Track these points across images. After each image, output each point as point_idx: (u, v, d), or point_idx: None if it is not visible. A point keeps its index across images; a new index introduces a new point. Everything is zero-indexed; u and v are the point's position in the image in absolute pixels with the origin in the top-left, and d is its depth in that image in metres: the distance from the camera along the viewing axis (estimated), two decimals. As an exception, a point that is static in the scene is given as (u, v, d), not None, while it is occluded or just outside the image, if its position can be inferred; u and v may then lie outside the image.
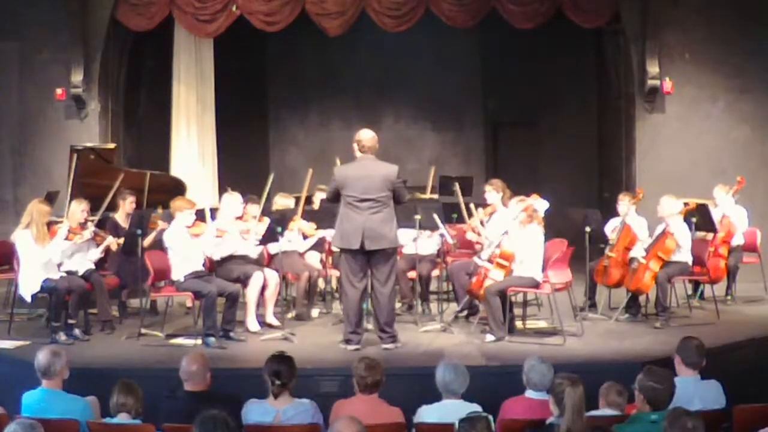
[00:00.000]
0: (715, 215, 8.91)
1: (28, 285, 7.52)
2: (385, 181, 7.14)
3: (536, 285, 7.63)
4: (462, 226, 8.74)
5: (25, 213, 7.65)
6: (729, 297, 9.19)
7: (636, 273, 8.16)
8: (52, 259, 7.53)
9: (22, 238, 7.55)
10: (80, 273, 7.87)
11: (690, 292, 9.06)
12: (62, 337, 7.41)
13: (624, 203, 8.66)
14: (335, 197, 7.30)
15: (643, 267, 8.10)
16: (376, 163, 7.26)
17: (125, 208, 8.76)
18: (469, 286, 7.96)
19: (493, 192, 8.45)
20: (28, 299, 7.66)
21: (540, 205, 8.04)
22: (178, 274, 7.58)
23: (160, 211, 9.11)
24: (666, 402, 4.46)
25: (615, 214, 8.84)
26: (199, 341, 7.38)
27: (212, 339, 7.36)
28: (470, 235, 8.49)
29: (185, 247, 7.61)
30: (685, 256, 8.21)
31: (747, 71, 10.66)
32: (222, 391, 5.31)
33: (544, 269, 7.61)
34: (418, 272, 8.40)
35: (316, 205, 9.16)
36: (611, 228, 8.70)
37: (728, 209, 9.19)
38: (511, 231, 7.66)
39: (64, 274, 7.66)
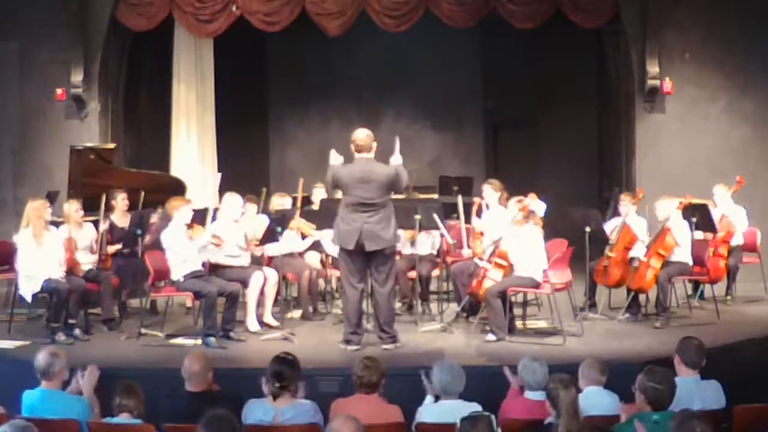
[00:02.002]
0: (715, 215, 8.92)
1: (28, 284, 7.52)
2: (384, 183, 7.14)
3: (536, 285, 7.63)
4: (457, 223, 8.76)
5: (24, 215, 7.68)
6: (729, 297, 9.19)
7: (638, 272, 8.16)
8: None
9: (23, 238, 7.57)
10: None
11: (690, 292, 9.06)
12: (62, 337, 7.41)
13: (625, 203, 8.66)
14: (335, 185, 7.35)
15: (644, 265, 8.10)
16: (373, 164, 7.24)
17: (120, 207, 8.75)
18: (469, 287, 7.97)
19: (490, 190, 8.47)
20: (29, 299, 7.67)
21: (538, 206, 8.04)
22: (177, 274, 7.58)
23: (160, 211, 9.10)
24: (667, 402, 4.46)
25: (616, 214, 8.84)
26: (199, 341, 7.38)
27: (212, 339, 7.36)
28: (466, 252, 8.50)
29: (183, 247, 7.60)
30: (685, 256, 8.21)
31: (747, 71, 10.65)
32: (223, 391, 5.32)
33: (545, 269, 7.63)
34: (418, 272, 8.40)
35: (315, 205, 9.16)
36: (611, 228, 8.70)
37: (728, 209, 9.19)
38: (510, 231, 7.66)
39: (63, 274, 7.66)
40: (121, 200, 8.76)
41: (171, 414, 4.92)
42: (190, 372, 5.13)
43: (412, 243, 8.46)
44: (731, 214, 9.15)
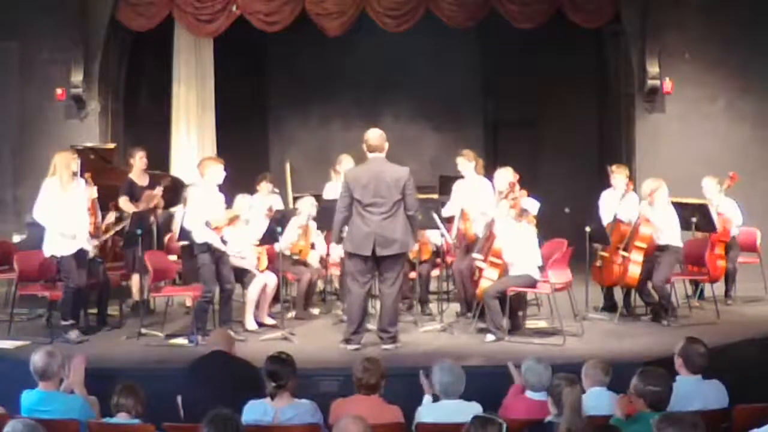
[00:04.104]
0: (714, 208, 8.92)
1: (58, 244, 7.38)
2: (396, 185, 7.13)
3: (534, 283, 7.63)
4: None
5: (50, 166, 7.49)
6: (730, 300, 9.13)
7: (622, 267, 8.17)
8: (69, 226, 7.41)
9: (49, 187, 7.40)
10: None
11: (690, 292, 9.06)
12: (73, 335, 7.40)
13: (619, 176, 8.60)
14: (349, 205, 7.22)
15: (626, 260, 8.12)
16: (386, 165, 7.26)
17: (138, 165, 8.77)
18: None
19: (464, 161, 8.51)
20: (47, 254, 7.48)
21: (530, 204, 8.03)
22: (199, 237, 7.47)
23: (160, 212, 9.09)
24: (666, 402, 4.46)
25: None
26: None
27: (198, 337, 7.38)
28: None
29: (208, 209, 7.53)
30: (673, 238, 8.15)
31: (747, 71, 10.65)
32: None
33: (544, 269, 7.62)
34: (418, 272, 8.40)
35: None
36: (605, 204, 8.65)
37: (717, 202, 9.14)
38: (503, 229, 7.66)
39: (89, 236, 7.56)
40: (139, 159, 8.78)
41: (196, 368, 5.37)
42: (213, 343, 5.61)
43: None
44: (721, 206, 9.08)
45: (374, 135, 7.32)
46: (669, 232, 8.13)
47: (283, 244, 8.13)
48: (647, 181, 8.34)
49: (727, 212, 9.09)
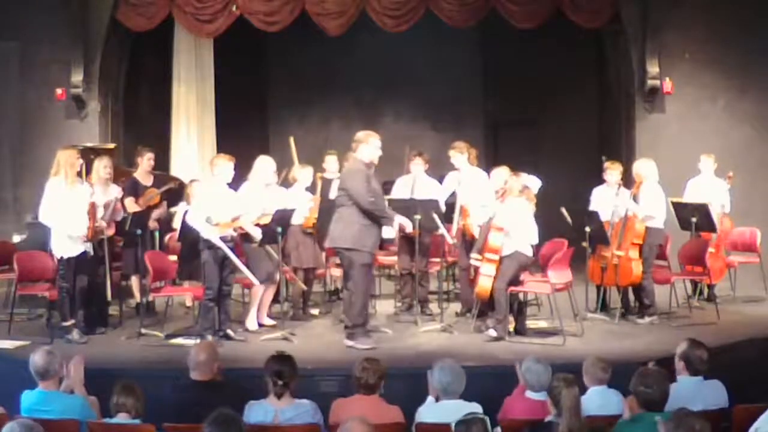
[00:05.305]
0: (699, 185, 9.07)
1: (65, 244, 7.36)
2: (341, 184, 7.44)
3: (528, 261, 7.68)
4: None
5: (54, 164, 7.43)
6: (719, 299, 9.12)
7: (621, 268, 8.16)
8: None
9: (54, 186, 7.35)
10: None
11: (690, 292, 9.06)
12: (75, 335, 7.39)
13: (612, 172, 8.62)
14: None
15: (625, 259, 8.12)
16: (349, 164, 7.59)
17: (144, 166, 8.76)
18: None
19: (457, 155, 8.52)
20: (57, 255, 7.46)
21: (531, 181, 8.04)
22: (207, 233, 7.42)
23: (161, 211, 9.09)
24: (660, 403, 4.46)
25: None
26: (198, 341, 7.37)
27: (208, 337, 7.36)
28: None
29: (212, 205, 7.53)
30: (655, 221, 8.20)
31: (747, 71, 10.65)
32: (227, 381, 5.38)
33: (545, 269, 7.63)
34: (416, 271, 8.39)
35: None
36: (597, 201, 8.67)
37: (709, 180, 9.22)
38: (499, 203, 7.72)
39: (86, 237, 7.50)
40: (147, 160, 8.78)
41: (175, 402, 4.99)
42: (196, 361, 5.15)
43: (413, 241, 8.42)
44: (711, 186, 9.15)
45: (356, 135, 7.54)
46: (653, 211, 8.16)
47: (297, 220, 8.24)
48: (639, 163, 8.44)
49: (715, 191, 9.12)
